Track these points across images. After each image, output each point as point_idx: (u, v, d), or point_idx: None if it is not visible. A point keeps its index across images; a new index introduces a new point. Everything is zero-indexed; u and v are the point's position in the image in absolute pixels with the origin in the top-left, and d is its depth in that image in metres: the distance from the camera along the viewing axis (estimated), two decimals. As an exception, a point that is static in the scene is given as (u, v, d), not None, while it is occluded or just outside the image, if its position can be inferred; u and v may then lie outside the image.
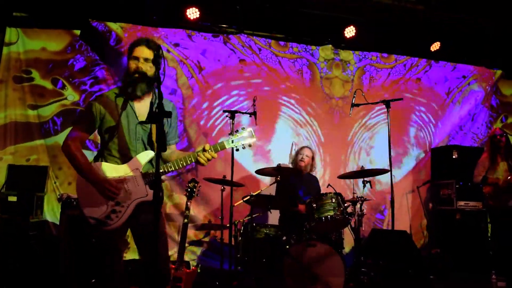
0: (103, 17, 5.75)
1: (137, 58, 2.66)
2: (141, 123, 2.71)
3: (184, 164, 2.69)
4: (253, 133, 2.84)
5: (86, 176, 2.62)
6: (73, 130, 2.73)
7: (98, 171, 2.63)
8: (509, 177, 5.26)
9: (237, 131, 2.83)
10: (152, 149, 2.72)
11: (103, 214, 2.59)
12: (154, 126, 2.70)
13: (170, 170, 2.67)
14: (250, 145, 2.83)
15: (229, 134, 2.83)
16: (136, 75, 2.64)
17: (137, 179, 2.66)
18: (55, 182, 5.45)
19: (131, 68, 2.66)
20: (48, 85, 5.61)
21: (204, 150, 2.68)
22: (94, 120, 2.68)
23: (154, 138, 2.62)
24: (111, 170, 2.65)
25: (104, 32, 5.74)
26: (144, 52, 2.66)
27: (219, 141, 2.77)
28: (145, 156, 2.70)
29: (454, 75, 7.43)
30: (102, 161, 2.69)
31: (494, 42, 6.84)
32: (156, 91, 2.58)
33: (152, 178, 2.65)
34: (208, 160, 2.68)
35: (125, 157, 2.69)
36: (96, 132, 2.78)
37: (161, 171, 2.62)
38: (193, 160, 2.68)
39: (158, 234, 2.66)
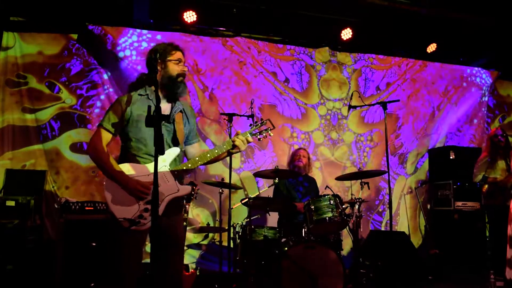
0: (100, 21, 5.74)
1: (179, 61, 2.75)
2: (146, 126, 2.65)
3: (219, 152, 2.74)
4: (272, 122, 2.95)
5: (114, 177, 2.55)
6: (100, 129, 2.66)
7: (126, 170, 2.59)
8: (508, 177, 5.28)
9: (256, 122, 2.93)
10: (177, 148, 2.76)
11: (136, 214, 2.53)
12: (177, 126, 2.77)
13: (208, 158, 2.72)
14: (270, 134, 2.92)
15: (249, 126, 2.91)
16: (180, 78, 2.74)
17: (166, 176, 2.64)
18: (53, 186, 5.44)
19: (174, 70, 2.73)
20: (45, 89, 5.61)
21: (237, 135, 2.78)
22: (122, 115, 2.65)
23: (179, 136, 2.75)
24: (138, 170, 2.62)
25: (101, 36, 5.73)
26: (181, 55, 2.79)
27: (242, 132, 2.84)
28: (170, 154, 2.69)
29: (451, 75, 7.46)
30: (128, 160, 2.65)
31: (491, 43, 6.88)
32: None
33: (181, 172, 2.70)
34: (244, 143, 2.77)
35: (152, 157, 2.65)
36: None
37: (197, 159, 2.71)
38: (228, 147, 2.75)
39: (169, 240, 2.64)
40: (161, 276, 2.63)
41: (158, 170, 2.55)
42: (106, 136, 2.66)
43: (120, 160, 2.69)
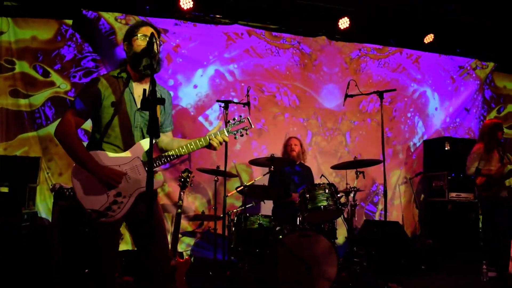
0: (95, 6, 5.68)
1: (145, 36, 2.57)
2: (141, 109, 2.59)
3: (195, 148, 2.63)
4: (250, 121, 2.83)
5: (84, 163, 2.43)
6: (70, 112, 2.51)
7: (96, 159, 2.47)
8: (501, 168, 5.29)
9: (234, 119, 2.80)
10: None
11: (104, 205, 2.44)
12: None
13: (182, 153, 2.62)
14: (247, 133, 2.81)
15: (227, 122, 2.80)
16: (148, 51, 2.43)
17: (138, 168, 2.54)
18: (47, 173, 5.42)
19: (139, 47, 2.56)
20: (38, 74, 5.56)
21: (217, 134, 2.66)
22: (96, 98, 2.50)
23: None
24: (109, 159, 2.51)
25: (95, 22, 5.66)
26: (150, 30, 2.60)
27: (220, 129, 2.71)
28: (145, 144, 2.58)
29: (447, 66, 7.45)
30: (98, 149, 2.53)
31: (488, 35, 6.88)
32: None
33: (156, 165, 2.56)
34: (220, 143, 2.66)
35: (125, 144, 2.57)
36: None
37: (172, 153, 2.60)
38: (204, 144, 2.64)
39: (157, 228, 2.60)
40: (150, 262, 2.59)
41: (129, 162, 2.54)
42: (78, 121, 2.54)
43: (91, 147, 2.57)
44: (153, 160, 2.51)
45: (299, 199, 4.51)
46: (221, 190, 4.46)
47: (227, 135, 2.70)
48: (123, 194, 2.50)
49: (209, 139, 2.63)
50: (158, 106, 2.65)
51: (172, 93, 2.94)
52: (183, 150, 2.62)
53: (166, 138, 2.85)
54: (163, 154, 2.62)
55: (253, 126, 2.85)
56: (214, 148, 2.66)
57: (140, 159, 2.56)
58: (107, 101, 2.53)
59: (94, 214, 2.43)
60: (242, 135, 2.80)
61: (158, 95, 2.70)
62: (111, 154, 2.53)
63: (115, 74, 2.63)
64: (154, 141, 2.47)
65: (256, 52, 6.41)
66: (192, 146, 2.63)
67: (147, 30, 2.60)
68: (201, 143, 2.64)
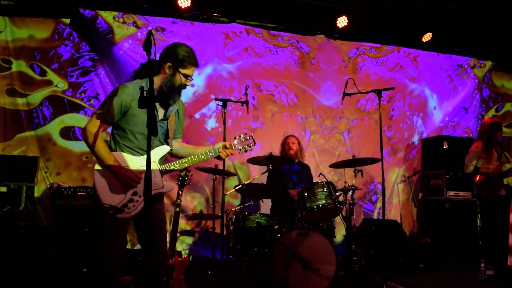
0: (93, 5, 5.65)
1: (188, 77, 2.80)
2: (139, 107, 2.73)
3: (205, 158, 2.94)
4: (253, 139, 3.16)
5: (108, 165, 2.64)
6: (96, 116, 2.70)
7: (117, 159, 2.69)
8: (499, 167, 5.29)
9: (240, 136, 3.10)
10: (168, 145, 2.91)
11: (121, 202, 2.66)
12: (169, 124, 2.89)
13: (194, 162, 2.91)
14: (250, 149, 3.15)
15: (234, 138, 3.10)
16: (180, 90, 2.81)
17: (154, 172, 2.74)
18: (45, 172, 5.40)
19: (178, 81, 2.77)
20: (35, 73, 5.54)
21: (225, 147, 2.97)
22: (121, 106, 2.68)
23: (170, 134, 2.91)
24: (129, 161, 2.73)
25: (92, 20, 5.64)
26: (193, 71, 2.84)
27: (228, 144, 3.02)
28: (161, 151, 2.83)
29: (447, 65, 7.47)
30: (118, 150, 2.75)
31: (486, 34, 6.88)
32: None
33: (169, 170, 2.85)
34: (227, 156, 3.00)
35: (142, 150, 2.77)
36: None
37: (184, 161, 2.89)
38: (213, 155, 2.95)
39: (158, 229, 2.85)
40: (150, 261, 2.81)
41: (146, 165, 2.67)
42: (103, 126, 2.72)
43: (111, 148, 2.78)
44: (167, 165, 2.84)
45: (297, 197, 4.51)
46: (219, 188, 4.45)
47: (234, 149, 3.04)
48: (139, 193, 2.72)
49: (219, 152, 2.95)
50: (173, 115, 2.93)
51: None
52: (195, 159, 2.92)
53: (176, 144, 3.07)
54: (176, 161, 2.90)
55: (255, 144, 3.17)
56: (221, 159, 3.03)
57: (156, 163, 2.80)
58: (131, 110, 2.70)
59: (112, 210, 2.62)
60: (246, 151, 3.15)
61: (177, 108, 2.95)
62: (130, 156, 2.75)
63: (135, 86, 2.76)
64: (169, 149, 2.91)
65: (254, 51, 6.40)
66: (203, 157, 2.94)
67: (192, 72, 2.83)
68: (211, 154, 2.95)
